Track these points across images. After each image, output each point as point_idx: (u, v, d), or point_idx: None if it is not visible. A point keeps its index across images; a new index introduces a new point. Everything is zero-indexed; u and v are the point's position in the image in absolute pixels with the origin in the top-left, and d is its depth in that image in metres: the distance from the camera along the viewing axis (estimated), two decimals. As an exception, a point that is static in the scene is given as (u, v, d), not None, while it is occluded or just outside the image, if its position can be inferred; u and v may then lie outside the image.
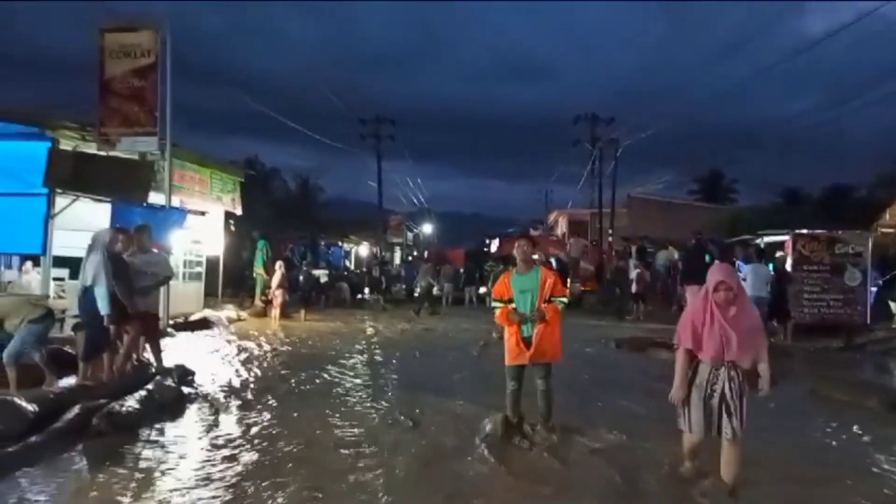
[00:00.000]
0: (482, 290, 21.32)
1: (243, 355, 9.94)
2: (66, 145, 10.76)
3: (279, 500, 4.11)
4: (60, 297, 10.68)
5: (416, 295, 20.16)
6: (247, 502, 4.11)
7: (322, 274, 22.71)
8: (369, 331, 14.07)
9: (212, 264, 15.85)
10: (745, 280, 10.54)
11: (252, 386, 7.73)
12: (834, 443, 5.73)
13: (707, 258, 11.37)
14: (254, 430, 5.73)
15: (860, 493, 4.39)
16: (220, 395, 7.07)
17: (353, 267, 34.52)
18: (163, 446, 5.20)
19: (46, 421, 5.21)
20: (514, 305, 5.51)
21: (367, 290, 22.31)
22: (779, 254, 13.37)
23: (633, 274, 17.44)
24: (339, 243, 37.10)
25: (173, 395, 6.64)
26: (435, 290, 19.87)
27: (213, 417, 6.21)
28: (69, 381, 6.82)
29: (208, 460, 4.87)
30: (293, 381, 8.09)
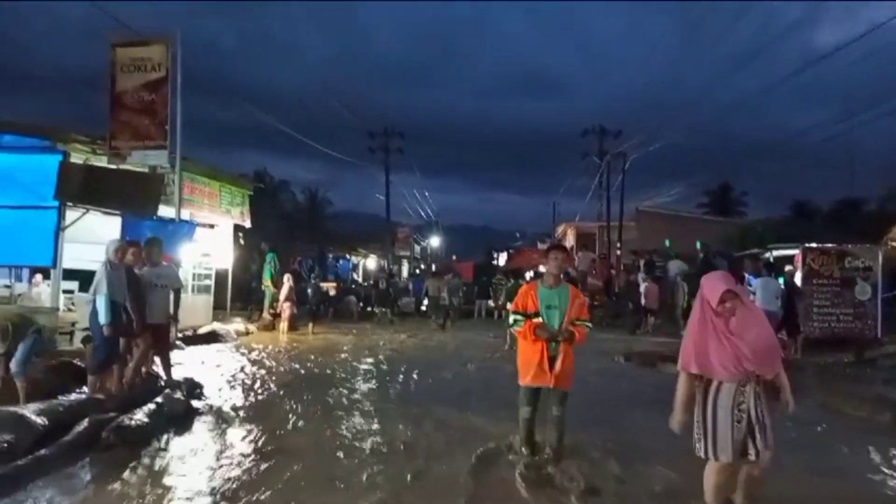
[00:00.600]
0: (491, 302, 21.45)
1: (252, 368, 9.94)
2: (76, 158, 10.83)
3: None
4: (70, 310, 10.74)
5: (431, 306, 20.70)
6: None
7: (330, 287, 22.75)
8: (379, 343, 14.06)
9: (220, 277, 15.92)
10: (754, 294, 10.51)
11: (260, 399, 7.74)
12: (846, 460, 5.66)
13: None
14: (262, 443, 5.72)
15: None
16: (229, 409, 7.07)
17: (360, 280, 34.55)
18: (172, 459, 5.19)
19: (56, 434, 5.20)
20: (540, 319, 5.07)
21: (374, 303, 22.36)
22: (788, 268, 13.30)
23: (642, 287, 17.61)
24: (347, 256, 37.17)
25: (182, 409, 6.65)
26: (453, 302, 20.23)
27: (221, 431, 6.21)
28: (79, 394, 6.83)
29: (217, 473, 4.86)
30: (302, 395, 8.06)
